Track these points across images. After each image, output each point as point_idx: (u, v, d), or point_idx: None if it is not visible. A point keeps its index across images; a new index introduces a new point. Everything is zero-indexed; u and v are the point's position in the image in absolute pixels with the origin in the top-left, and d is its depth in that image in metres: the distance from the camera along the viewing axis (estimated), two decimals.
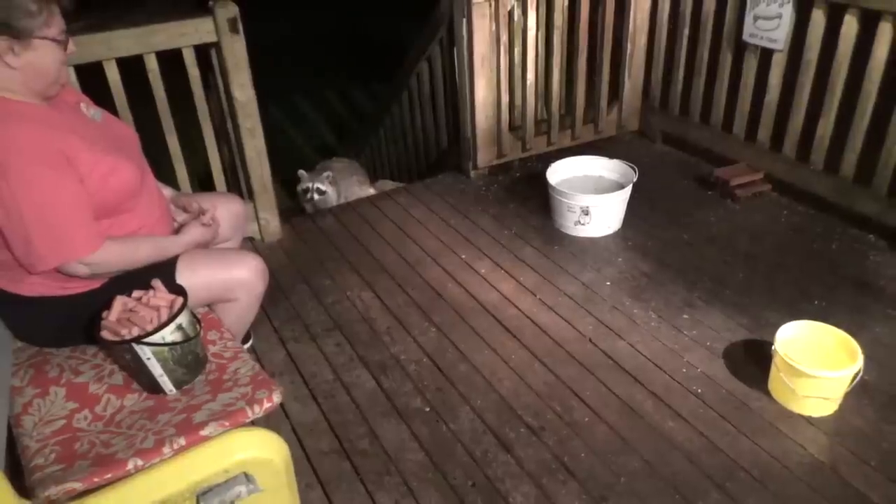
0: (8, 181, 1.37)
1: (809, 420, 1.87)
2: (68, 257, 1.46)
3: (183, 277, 1.65)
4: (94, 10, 1.79)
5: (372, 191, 3.40)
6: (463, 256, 2.69)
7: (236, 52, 2.44)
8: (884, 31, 2.37)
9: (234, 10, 2.38)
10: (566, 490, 1.71)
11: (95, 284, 1.58)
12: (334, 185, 3.26)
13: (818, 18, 2.56)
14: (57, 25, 1.46)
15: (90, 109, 1.67)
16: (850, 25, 2.46)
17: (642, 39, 3.29)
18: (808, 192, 2.80)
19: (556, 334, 2.24)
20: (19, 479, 1.29)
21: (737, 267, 2.52)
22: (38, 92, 1.49)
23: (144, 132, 2.28)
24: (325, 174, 3.24)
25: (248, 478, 1.33)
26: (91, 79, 2.23)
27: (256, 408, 1.40)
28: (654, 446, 1.82)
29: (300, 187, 3.23)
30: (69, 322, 1.57)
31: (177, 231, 1.76)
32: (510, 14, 2.93)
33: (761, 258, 2.57)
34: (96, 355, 1.61)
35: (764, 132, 2.91)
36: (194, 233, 1.74)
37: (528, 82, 3.10)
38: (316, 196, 3.20)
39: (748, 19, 2.78)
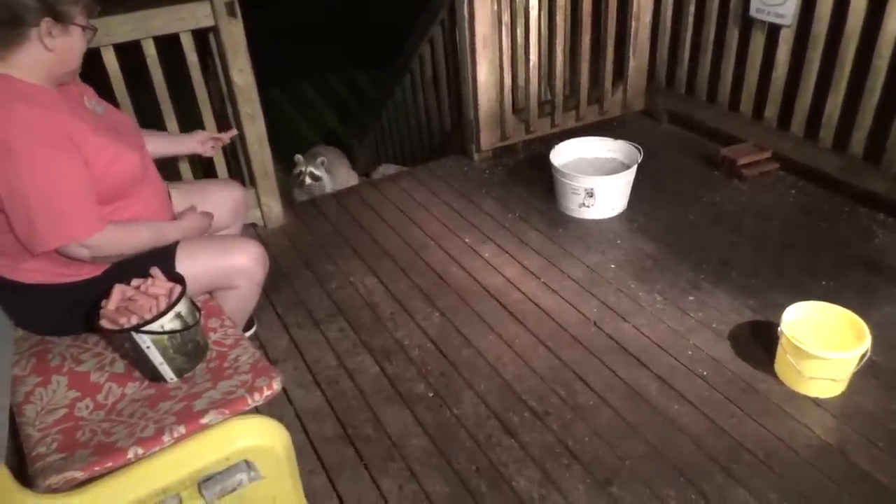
0: (13, 161, 1.37)
1: (816, 401, 1.86)
2: (69, 238, 1.45)
3: (182, 265, 1.64)
4: None
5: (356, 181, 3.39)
6: (466, 240, 2.67)
7: (234, 36, 2.42)
8: (895, 4, 2.31)
9: None
10: (570, 474, 1.71)
11: (96, 272, 1.58)
12: (329, 172, 3.24)
13: None
14: (87, 16, 1.50)
15: (91, 102, 1.67)
16: None
17: (647, 17, 3.24)
18: (816, 171, 2.76)
19: (561, 318, 2.23)
20: (21, 468, 1.29)
21: (743, 247, 2.49)
22: (58, 77, 1.51)
23: (144, 118, 2.28)
24: (320, 159, 3.21)
25: (248, 465, 1.32)
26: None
27: (257, 395, 1.40)
28: (659, 429, 1.81)
29: (294, 171, 3.21)
30: (69, 310, 1.57)
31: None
32: None
33: (768, 238, 2.54)
34: (97, 344, 1.61)
35: (771, 110, 2.87)
36: (192, 219, 1.74)
37: (531, 63, 3.06)
38: (308, 180, 3.17)
39: None
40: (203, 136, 2.06)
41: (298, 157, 3.25)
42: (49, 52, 1.44)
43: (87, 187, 1.46)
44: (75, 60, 1.52)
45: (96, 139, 1.49)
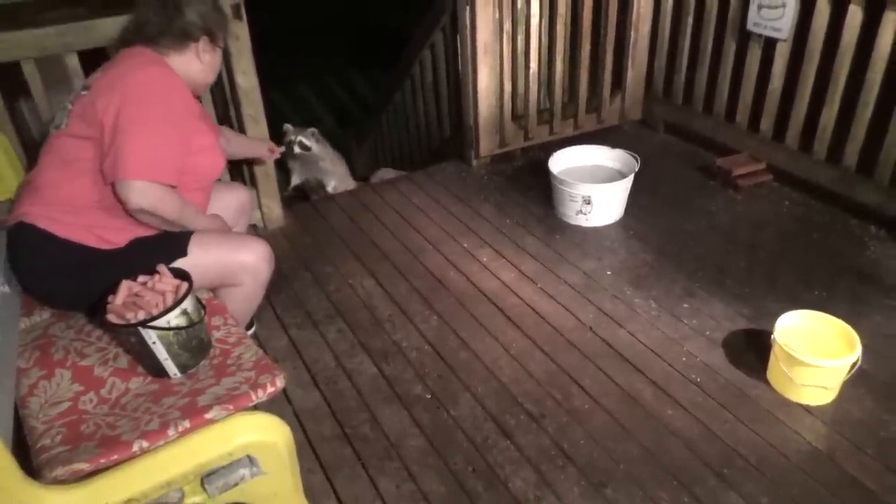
0: (144, 101, 1.63)
1: (807, 409, 1.89)
2: (149, 175, 1.60)
3: (193, 254, 1.69)
4: None
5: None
6: (464, 245, 2.69)
7: (239, 38, 2.44)
8: (889, 20, 2.36)
9: None
10: (565, 476, 1.73)
11: (120, 243, 1.66)
12: (320, 143, 3.19)
13: (823, 7, 2.55)
14: None
15: None
16: (854, 14, 2.45)
17: (646, 28, 3.28)
18: (810, 182, 2.81)
19: (557, 323, 2.25)
20: (25, 460, 1.31)
21: (738, 256, 2.53)
22: (195, 87, 1.86)
23: None
24: (311, 130, 3.17)
25: (251, 461, 1.34)
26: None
27: (260, 392, 1.41)
28: (653, 434, 1.84)
29: (284, 140, 3.15)
30: (89, 281, 1.60)
31: None
32: (513, 1, 2.92)
33: (762, 248, 2.57)
34: (101, 338, 1.63)
35: (767, 122, 2.91)
36: (215, 220, 1.87)
37: (531, 71, 3.10)
38: (297, 150, 3.12)
39: (752, 8, 2.77)
40: (270, 145, 2.53)
41: (287, 126, 3.19)
42: (199, 64, 1.83)
43: (182, 151, 1.69)
44: (213, 75, 1.90)
45: (203, 125, 1.80)
